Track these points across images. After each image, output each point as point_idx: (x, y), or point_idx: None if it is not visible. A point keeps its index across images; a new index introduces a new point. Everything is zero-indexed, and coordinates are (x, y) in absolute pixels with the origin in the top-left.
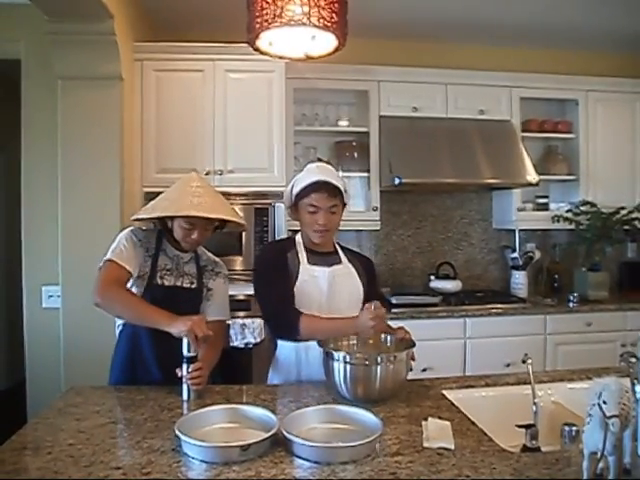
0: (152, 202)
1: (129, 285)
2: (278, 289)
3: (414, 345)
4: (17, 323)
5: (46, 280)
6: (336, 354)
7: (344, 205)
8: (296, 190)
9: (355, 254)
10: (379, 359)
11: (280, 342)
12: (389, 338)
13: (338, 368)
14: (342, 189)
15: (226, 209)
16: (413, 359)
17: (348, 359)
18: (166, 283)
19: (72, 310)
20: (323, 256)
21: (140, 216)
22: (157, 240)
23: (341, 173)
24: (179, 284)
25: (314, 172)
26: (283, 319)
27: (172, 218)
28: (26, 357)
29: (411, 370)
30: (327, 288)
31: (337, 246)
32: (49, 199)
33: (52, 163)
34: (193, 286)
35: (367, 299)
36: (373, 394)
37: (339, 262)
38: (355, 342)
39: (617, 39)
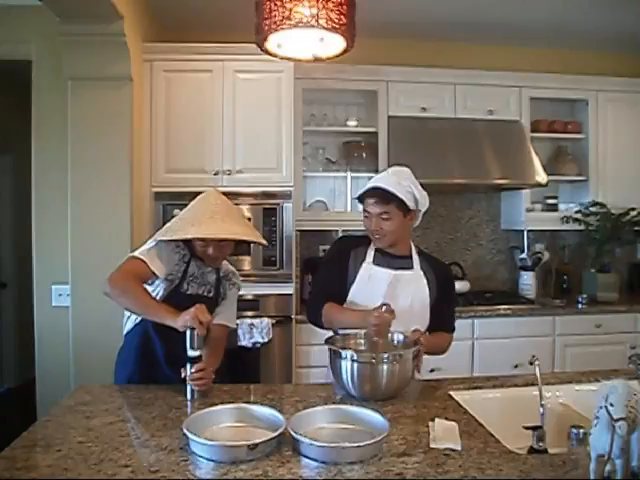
0: (170, 222)
1: (155, 285)
2: (321, 281)
3: (420, 345)
4: (27, 321)
5: (56, 279)
6: (343, 352)
7: (408, 211)
8: (357, 194)
9: (434, 263)
10: (385, 357)
11: None
12: (398, 338)
13: (345, 366)
14: (399, 195)
15: (237, 228)
16: (420, 361)
17: (355, 357)
18: (189, 291)
19: (82, 309)
20: (393, 258)
21: (159, 238)
22: (190, 248)
23: (349, 173)
24: (200, 292)
25: (375, 178)
26: (312, 307)
27: None
28: (36, 355)
29: (418, 372)
30: (386, 290)
31: (414, 251)
32: (59, 199)
33: (62, 163)
34: (210, 295)
35: (433, 313)
36: (380, 392)
37: (409, 267)
38: (363, 341)
39: (627, 39)
